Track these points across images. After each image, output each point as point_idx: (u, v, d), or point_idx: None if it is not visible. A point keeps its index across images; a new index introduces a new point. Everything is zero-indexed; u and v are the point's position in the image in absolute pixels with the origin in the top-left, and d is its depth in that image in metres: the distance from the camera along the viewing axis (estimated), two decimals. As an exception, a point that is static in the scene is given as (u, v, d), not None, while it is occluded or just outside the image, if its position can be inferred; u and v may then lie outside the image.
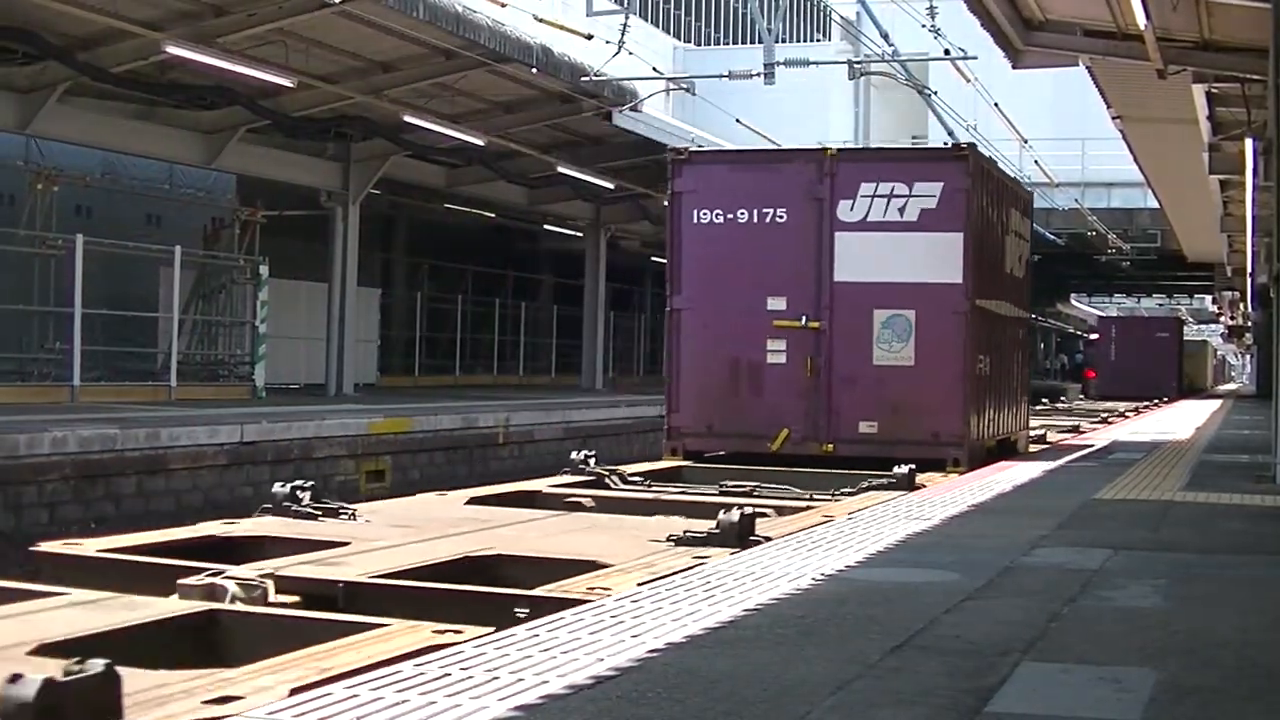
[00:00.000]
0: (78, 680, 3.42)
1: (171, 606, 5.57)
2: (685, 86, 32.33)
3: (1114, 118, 21.76)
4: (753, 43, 47.93)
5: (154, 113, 24.02)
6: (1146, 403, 38.88)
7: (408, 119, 25.09)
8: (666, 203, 14.65)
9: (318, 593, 6.06)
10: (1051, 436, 19.50)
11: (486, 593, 6.14)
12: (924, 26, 24.61)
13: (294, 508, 8.19)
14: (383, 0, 19.89)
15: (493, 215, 38.20)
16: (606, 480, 11.55)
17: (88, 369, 22.95)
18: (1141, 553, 7.43)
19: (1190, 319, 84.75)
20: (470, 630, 4.81)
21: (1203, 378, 68.60)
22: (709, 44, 63.55)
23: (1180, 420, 27.38)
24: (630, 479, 11.84)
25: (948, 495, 10.22)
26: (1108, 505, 10.05)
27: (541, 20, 24.99)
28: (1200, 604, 5.90)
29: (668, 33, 59.31)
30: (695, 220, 14.02)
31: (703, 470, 12.50)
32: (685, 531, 7.55)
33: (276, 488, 8.34)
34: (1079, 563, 6.92)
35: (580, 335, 38.88)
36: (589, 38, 24.23)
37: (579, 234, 38.94)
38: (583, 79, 24.47)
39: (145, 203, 29.27)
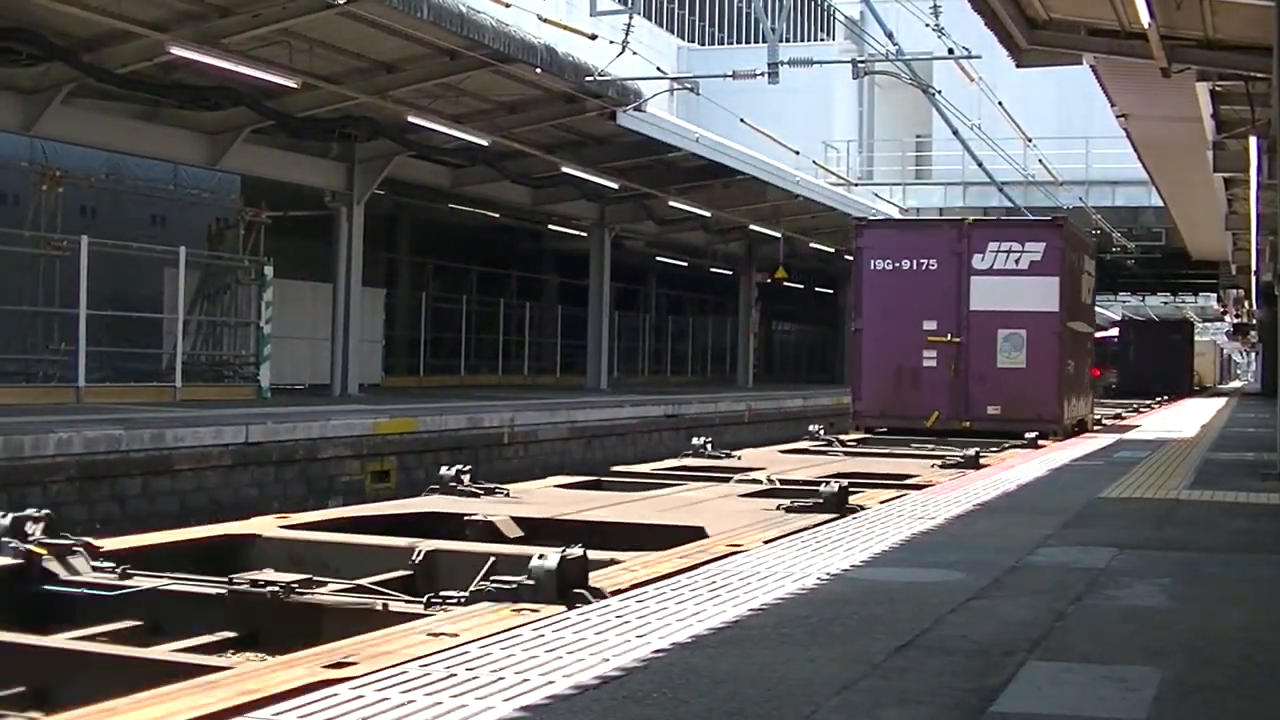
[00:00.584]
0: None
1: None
2: (689, 86, 32.36)
3: (1118, 116, 21.74)
4: (757, 42, 47.97)
5: (158, 113, 24.04)
6: (1150, 401, 39.50)
7: (412, 119, 25.11)
8: (851, 256, 21.08)
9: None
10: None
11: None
12: (928, 26, 24.63)
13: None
14: (387, 1, 19.89)
15: (497, 215, 38.21)
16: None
17: (92, 370, 22.96)
18: (1147, 551, 7.43)
19: (1195, 317, 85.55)
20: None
21: (1210, 376, 75.79)
22: (713, 44, 63.60)
23: (1185, 418, 27.37)
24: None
25: (953, 495, 10.23)
26: (1113, 504, 10.05)
27: (546, 20, 25.03)
28: (1205, 603, 5.90)
29: (672, 32, 59.38)
30: (872, 267, 19.83)
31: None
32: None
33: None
34: (1084, 562, 6.92)
35: (585, 335, 38.88)
36: (593, 38, 24.25)
37: (583, 234, 38.95)
38: (587, 79, 24.47)
39: (150, 203, 29.30)
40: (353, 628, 5.41)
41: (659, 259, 49.28)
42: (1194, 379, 59.23)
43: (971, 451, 13.79)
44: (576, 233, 39.81)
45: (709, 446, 14.38)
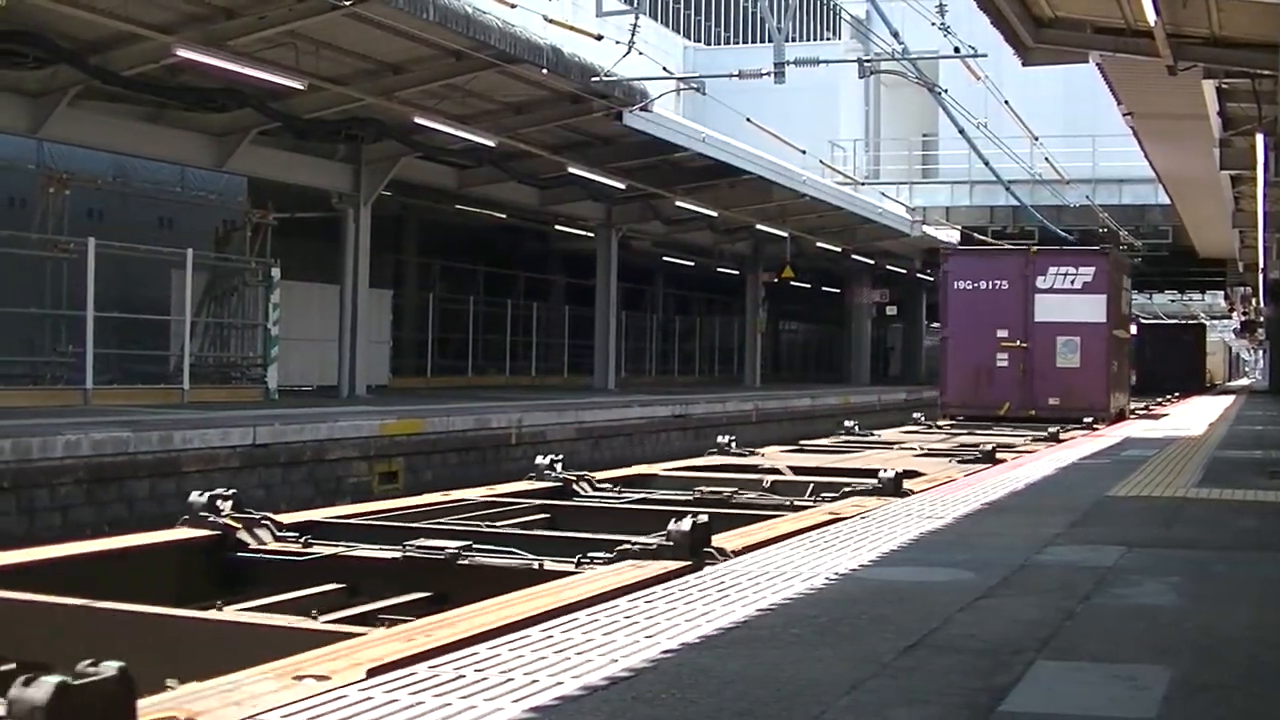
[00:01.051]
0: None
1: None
2: (695, 86, 32.36)
3: (1125, 114, 21.73)
4: (762, 42, 48.04)
5: (164, 115, 24.07)
6: (1169, 397, 39.81)
7: (418, 120, 25.12)
8: (937, 277, 28.51)
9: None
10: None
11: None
12: (934, 24, 24.58)
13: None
14: (393, 2, 19.89)
15: (503, 216, 38.23)
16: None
17: (100, 372, 23.00)
18: (1155, 550, 7.42)
19: (1203, 315, 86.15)
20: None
21: (1220, 374, 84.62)
22: (719, 43, 63.62)
23: (1193, 416, 27.34)
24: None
25: (960, 494, 10.22)
26: (1121, 502, 10.03)
27: (551, 21, 24.99)
28: (1214, 601, 5.89)
29: (678, 32, 59.39)
30: (955, 287, 24.75)
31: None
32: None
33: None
34: (1093, 560, 6.91)
35: (592, 335, 38.88)
36: (599, 38, 24.24)
37: (590, 234, 38.95)
38: (593, 79, 24.48)
39: (157, 205, 29.31)
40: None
41: (665, 259, 49.29)
42: (1206, 377, 65.65)
43: (1054, 429, 19.32)
44: (583, 233, 39.82)
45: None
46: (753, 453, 14.83)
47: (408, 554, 7.20)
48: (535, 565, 6.93)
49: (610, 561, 6.69)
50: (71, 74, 20.98)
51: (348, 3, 19.44)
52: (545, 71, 23.64)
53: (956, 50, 25.30)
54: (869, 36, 30.32)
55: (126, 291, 24.96)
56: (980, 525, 8.38)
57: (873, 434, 19.29)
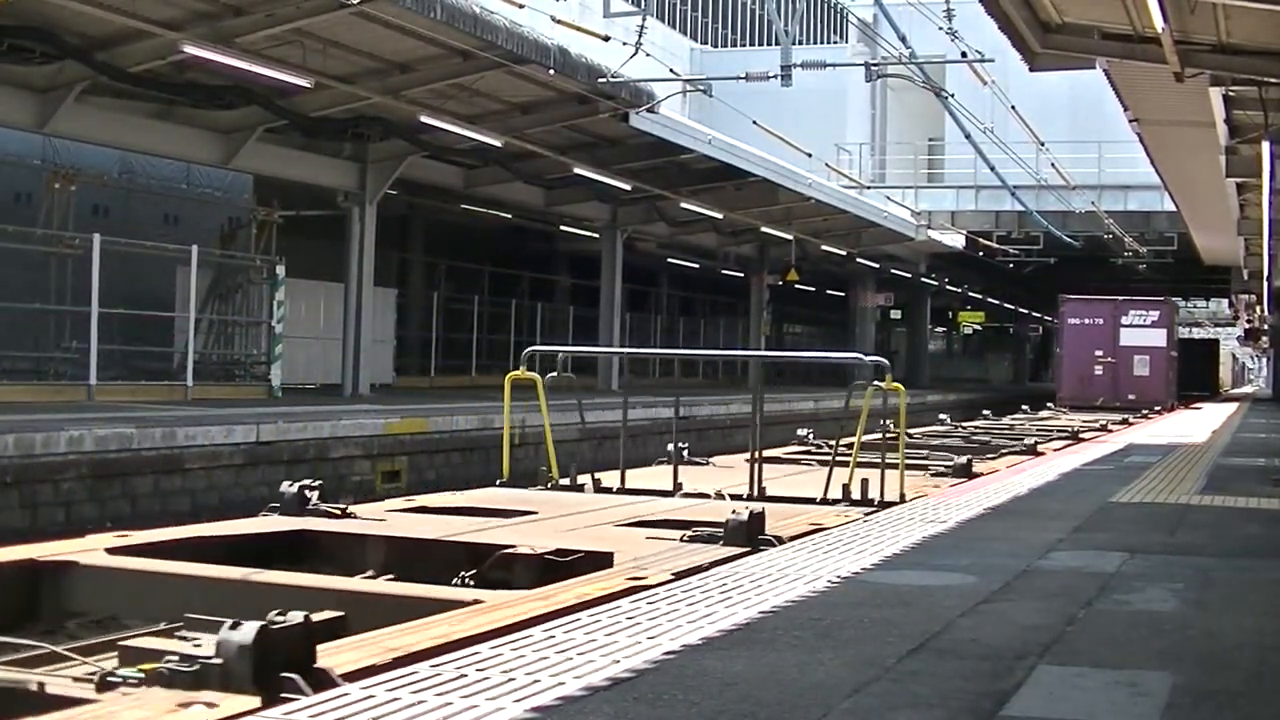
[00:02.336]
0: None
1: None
2: (702, 88, 32.30)
3: (1131, 121, 21.68)
4: (769, 44, 48.00)
5: (171, 112, 24.06)
6: (1160, 406, 40.44)
7: (425, 119, 25.11)
8: (1055, 317, 43.67)
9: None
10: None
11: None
12: (941, 29, 24.56)
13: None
14: (400, 1, 19.88)
15: (509, 216, 38.22)
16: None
17: (104, 368, 22.99)
18: (1158, 556, 7.42)
19: (1207, 322, 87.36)
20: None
21: (1227, 383, 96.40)
22: (726, 45, 63.60)
23: (1196, 424, 27.32)
24: None
25: (963, 498, 10.22)
26: (1124, 508, 10.04)
27: (559, 21, 24.97)
28: (1217, 607, 5.89)
29: (685, 34, 59.37)
30: (1070, 322, 39.78)
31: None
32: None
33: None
34: (1096, 566, 6.92)
35: (596, 336, 38.86)
36: (606, 39, 24.22)
37: (595, 235, 38.95)
38: (600, 80, 24.46)
39: (162, 202, 29.35)
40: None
41: (670, 260, 49.27)
42: (1219, 386, 76.60)
43: (1127, 415, 30.54)
44: (588, 234, 39.80)
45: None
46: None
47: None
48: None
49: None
50: (78, 70, 20.98)
51: (355, 1, 19.43)
52: (552, 72, 23.61)
53: (963, 55, 25.25)
54: (876, 40, 30.30)
55: (132, 288, 24.94)
56: (983, 529, 8.38)
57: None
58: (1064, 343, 39.90)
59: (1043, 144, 37.15)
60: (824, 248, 45.79)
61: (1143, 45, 16.05)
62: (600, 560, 7.08)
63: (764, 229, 41.41)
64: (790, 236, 42.46)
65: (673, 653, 4.53)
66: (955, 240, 47.43)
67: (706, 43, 61.50)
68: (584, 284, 44.02)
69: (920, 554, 7.16)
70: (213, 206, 29.85)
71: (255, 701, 4.07)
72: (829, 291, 58.71)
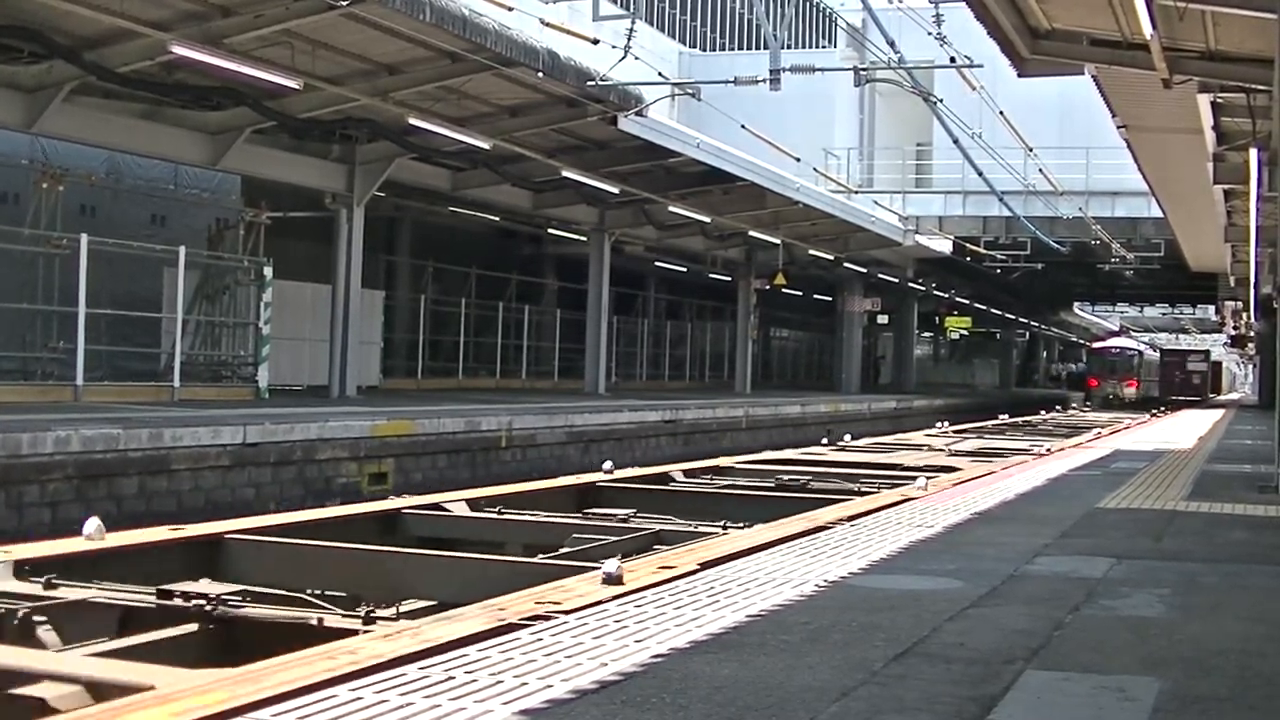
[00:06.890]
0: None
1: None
2: (691, 92, 32.36)
3: (1119, 127, 21.74)
4: (758, 49, 48.00)
5: (160, 113, 24.01)
6: (1151, 412, 40.54)
7: (413, 121, 25.09)
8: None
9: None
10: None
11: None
12: (930, 34, 24.60)
13: None
14: (389, 2, 19.86)
15: (497, 219, 38.19)
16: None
17: (91, 369, 22.93)
18: (1145, 562, 7.43)
19: (1193, 328, 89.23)
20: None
21: (1219, 390, 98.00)
22: (715, 49, 63.60)
23: (1182, 430, 27.37)
24: None
25: (951, 503, 10.23)
26: (1111, 514, 10.05)
27: (548, 24, 24.99)
28: (1204, 613, 5.90)
29: (674, 38, 59.37)
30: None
31: None
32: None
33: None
34: (1083, 571, 6.93)
35: (584, 339, 38.85)
36: (595, 42, 24.23)
37: (583, 238, 38.92)
38: (588, 83, 24.46)
39: (150, 203, 29.27)
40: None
41: (658, 264, 49.26)
42: (1209, 392, 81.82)
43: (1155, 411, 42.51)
44: (576, 237, 39.78)
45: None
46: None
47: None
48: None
49: None
50: (67, 70, 20.94)
51: (344, 2, 19.40)
52: (541, 75, 23.61)
53: (952, 60, 25.31)
54: (865, 45, 30.36)
55: (119, 288, 24.89)
56: (970, 534, 8.39)
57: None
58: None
59: (1031, 149, 37.26)
60: (811, 252, 45.82)
61: (1131, 52, 16.10)
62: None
63: (752, 233, 41.41)
64: (778, 241, 42.48)
65: (660, 656, 4.53)
66: (943, 245, 47.49)
67: (695, 46, 61.50)
68: (571, 287, 43.99)
69: (908, 558, 7.17)
70: (200, 207, 29.79)
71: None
72: (816, 296, 58.75)
